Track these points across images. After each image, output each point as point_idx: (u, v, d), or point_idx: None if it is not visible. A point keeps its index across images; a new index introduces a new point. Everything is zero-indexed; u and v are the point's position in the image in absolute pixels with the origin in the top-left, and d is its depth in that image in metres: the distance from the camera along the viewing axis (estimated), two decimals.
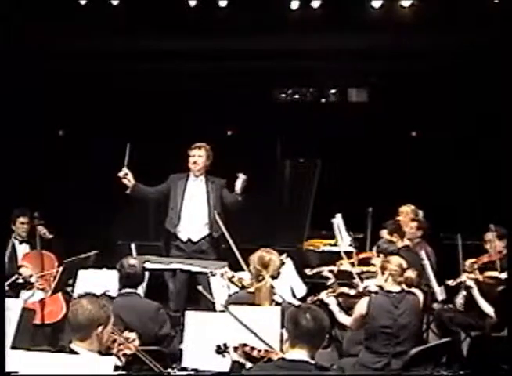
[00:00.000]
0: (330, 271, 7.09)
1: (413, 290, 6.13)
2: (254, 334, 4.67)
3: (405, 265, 6.04)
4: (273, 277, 5.66)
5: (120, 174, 7.57)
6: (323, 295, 6.30)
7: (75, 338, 4.14)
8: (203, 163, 7.66)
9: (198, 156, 7.63)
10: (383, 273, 6.01)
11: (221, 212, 7.57)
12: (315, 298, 6.37)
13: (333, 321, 6.11)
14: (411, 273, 6.17)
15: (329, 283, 6.95)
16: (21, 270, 7.40)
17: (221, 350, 4.68)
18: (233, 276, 6.18)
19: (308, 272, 7.11)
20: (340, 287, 6.72)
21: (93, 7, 9.36)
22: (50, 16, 9.21)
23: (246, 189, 7.60)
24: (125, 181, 7.59)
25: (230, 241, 6.87)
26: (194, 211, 7.63)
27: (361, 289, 6.47)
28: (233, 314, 4.82)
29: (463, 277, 7.01)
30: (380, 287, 6.05)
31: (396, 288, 5.94)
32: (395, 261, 6.03)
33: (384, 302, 5.89)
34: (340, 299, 6.43)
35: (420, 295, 6.11)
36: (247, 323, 4.87)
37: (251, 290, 5.67)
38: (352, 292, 6.47)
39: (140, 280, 5.87)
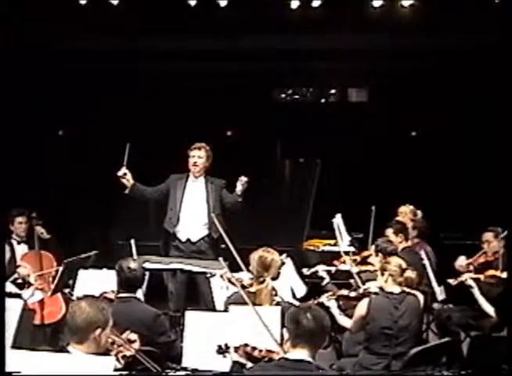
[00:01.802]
0: (327, 271, 7.08)
1: (414, 292, 6.11)
2: (269, 331, 4.66)
3: (404, 265, 6.02)
4: (273, 278, 5.66)
5: (119, 173, 7.57)
6: (324, 299, 6.29)
7: (72, 340, 4.10)
8: (203, 164, 7.65)
9: (198, 157, 7.62)
10: (382, 274, 6.00)
11: (221, 213, 7.57)
12: (316, 301, 6.36)
13: (333, 324, 6.11)
14: (411, 274, 6.16)
15: (324, 283, 6.94)
16: (19, 270, 7.39)
17: (222, 350, 4.67)
18: (232, 277, 6.17)
19: (306, 271, 7.09)
20: (337, 287, 6.71)
21: (93, 7, 9.37)
22: (50, 16, 9.21)
23: (246, 190, 7.59)
24: (124, 181, 7.58)
25: (229, 243, 6.86)
26: (193, 212, 7.62)
27: (361, 291, 6.46)
28: (257, 312, 4.82)
29: (465, 276, 7.01)
30: (381, 288, 6.04)
31: (396, 289, 5.93)
32: (395, 261, 6.02)
33: (384, 303, 5.88)
34: (341, 302, 6.42)
35: (421, 297, 6.10)
36: (248, 323, 4.87)
37: (251, 290, 5.66)
38: (353, 294, 6.46)
39: (140, 284, 5.71)
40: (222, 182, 7.72)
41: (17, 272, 7.32)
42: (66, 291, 6.90)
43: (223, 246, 7.72)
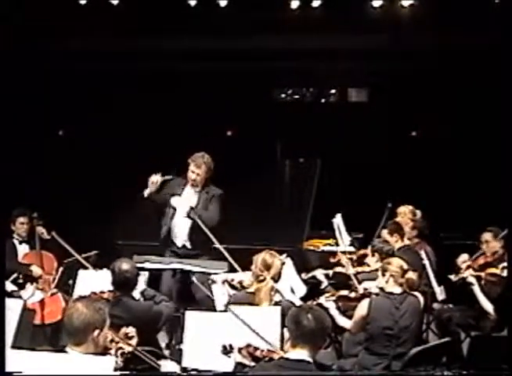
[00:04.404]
0: (325, 274, 7.07)
1: (415, 293, 6.11)
2: (257, 334, 4.67)
3: (405, 266, 6.02)
4: (274, 280, 5.66)
5: (156, 178, 7.43)
6: (323, 300, 6.30)
7: (71, 342, 4.09)
8: (203, 178, 7.57)
9: (197, 174, 7.52)
10: (383, 275, 6.00)
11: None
12: (315, 303, 6.37)
13: (333, 324, 6.11)
14: (412, 275, 6.15)
15: (322, 286, 6.93)
16: (32, 268, 7.45)
17: (226, 351, 4.67)
18: (233, 280, 6.18)
19: (304, 276, 7.04)
20: (338, 289, 6.70)
21: (93, 7, 9.37)
22: (50, 16, 9.21)
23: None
24: (152, 185, 7.48)
25: (216, 242, 6.89)
26: (184, 221, 7.56)
27: (361, 291, 6.46)
28: (237, 315, 4.83)
29: (466, 273, 7.01)
30: (381, 288, 6.04)
31: (397, 290, 5.93)
32: (396, 262, 6.02)
33: (385, 303, 5.88)
34: (340, 303, 6.42)
35: (421, 298, 6.10)
36: (248, 323, 4.87)
37: (250, 290, 5.67)
38: (353, 295, 6.46)
39: (132, 284, 5.76)
40: (218, 193, 7.64)
41: (29, 270, 7.40)
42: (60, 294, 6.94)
43: (221, 246, 7.75)
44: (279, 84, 11.80)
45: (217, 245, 6.98)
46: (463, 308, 7.42)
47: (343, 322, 6.20)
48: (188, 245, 7.54)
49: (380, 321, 5.83)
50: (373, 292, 6.20)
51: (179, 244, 7.57)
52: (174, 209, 7.55)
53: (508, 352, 5.44)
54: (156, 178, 7.45)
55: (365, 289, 6.44)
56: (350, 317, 6.15)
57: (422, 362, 5.85)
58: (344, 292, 6.56)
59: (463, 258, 7.50)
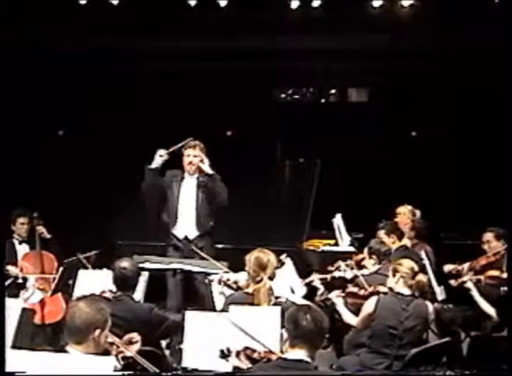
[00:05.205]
0: (323, 278, 7.04)
1: (425, 301, 6.10)
2: (253, 338, 4.67)
3: (416, 268, 6.01)
4: (271, 278, 5.66)
5: (162, 152, 7.48)
6: (333, 295, 6.30)
7: (71, 340, 4.10)
8: (199, 161, 7.63)
9: (193, 156, 7.60)
10: (394, 275, 6.00)
11: (211, 209, 7.57)
12: (324, 297, 6.37)
13: (334, 324, 6.12)
14: (422, 277, 6.13)
15: (319, 293, 6.91)
16: (8, 267, 7.44)
17: (224, 355, 4.66)
18: (228, 280, 6.17)
19: (301, 282, 6.99)
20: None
21: (93, 7, 9.37)
22: (50, 16, 9.22)
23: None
24: (159, 159, 7.53)
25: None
26: (188, 209, 7.61)
27: (371, 289, 6.46)
28: (232, 321, 4.84)
29: (466, 278, 7.01)
30: (390, 288, 6.03)
31: (406, 291, 5.93)
32: (407, 264, 6.01)
33: (392, 303, 5.88)
34: (349, 300, 6.42)
35: (430, 305, 6.08)
36: (247, 324, 4.87)
37: (248, 290, 5.65)
38: (362, 292, 6.47)
39: (132, 283, 5.74)
40: (219, 177, 7.68)
41: (17, 274, 7.38)
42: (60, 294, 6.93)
43: (220, 246, 7.77)
44: (279, 85, 11.81)
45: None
46: (463, 308, 7.42)
47: (349, 318, 6.21)
48: (189, 236, 7.53)
49: (386, 319, 5.83)
50: (382, 291, 6.21)
51: (181, 236, 7.58)
52: (177, 198, 7.58)
53: (508, 352, 5.44)
54: (163, 152, 7.50)
55: (375, 288, 6.44)
56: (356, 315, 6.16)
57: (422, 362, 5.85)
58: (354, 289, 6.56)
59: (447, 269, 7.52)
